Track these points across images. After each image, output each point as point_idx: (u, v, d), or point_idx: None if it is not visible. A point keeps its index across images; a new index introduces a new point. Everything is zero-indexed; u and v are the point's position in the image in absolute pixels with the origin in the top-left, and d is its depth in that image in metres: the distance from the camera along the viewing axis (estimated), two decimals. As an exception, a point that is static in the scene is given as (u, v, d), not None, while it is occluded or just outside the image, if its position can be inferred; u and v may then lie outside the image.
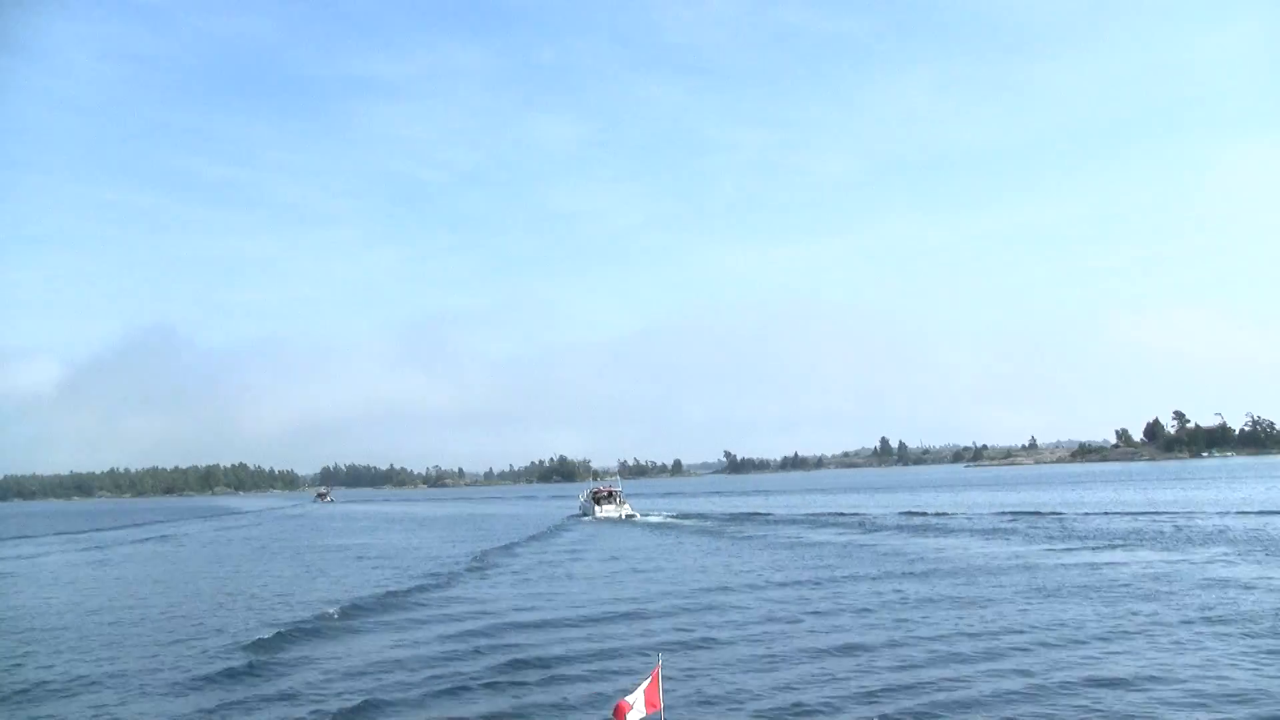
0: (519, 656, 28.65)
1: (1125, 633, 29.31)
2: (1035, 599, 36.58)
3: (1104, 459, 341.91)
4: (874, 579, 44.27)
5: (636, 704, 11.29)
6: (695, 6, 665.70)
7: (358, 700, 23.85)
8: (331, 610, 38.76)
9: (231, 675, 27.47)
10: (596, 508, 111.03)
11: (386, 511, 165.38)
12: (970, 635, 29.85)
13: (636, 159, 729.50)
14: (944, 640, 29.28)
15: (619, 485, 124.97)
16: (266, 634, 33.30)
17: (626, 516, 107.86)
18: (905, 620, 33.00)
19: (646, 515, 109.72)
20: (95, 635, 35.61)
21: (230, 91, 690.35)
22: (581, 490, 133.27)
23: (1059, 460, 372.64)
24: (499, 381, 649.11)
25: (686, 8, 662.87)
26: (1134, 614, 32.37)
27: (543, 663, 27.74)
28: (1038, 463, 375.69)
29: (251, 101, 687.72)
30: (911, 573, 45.89)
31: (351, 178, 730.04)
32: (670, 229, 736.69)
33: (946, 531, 70.12)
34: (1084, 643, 28.06)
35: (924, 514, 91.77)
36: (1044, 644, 28.02)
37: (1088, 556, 50.40)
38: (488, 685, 25.41)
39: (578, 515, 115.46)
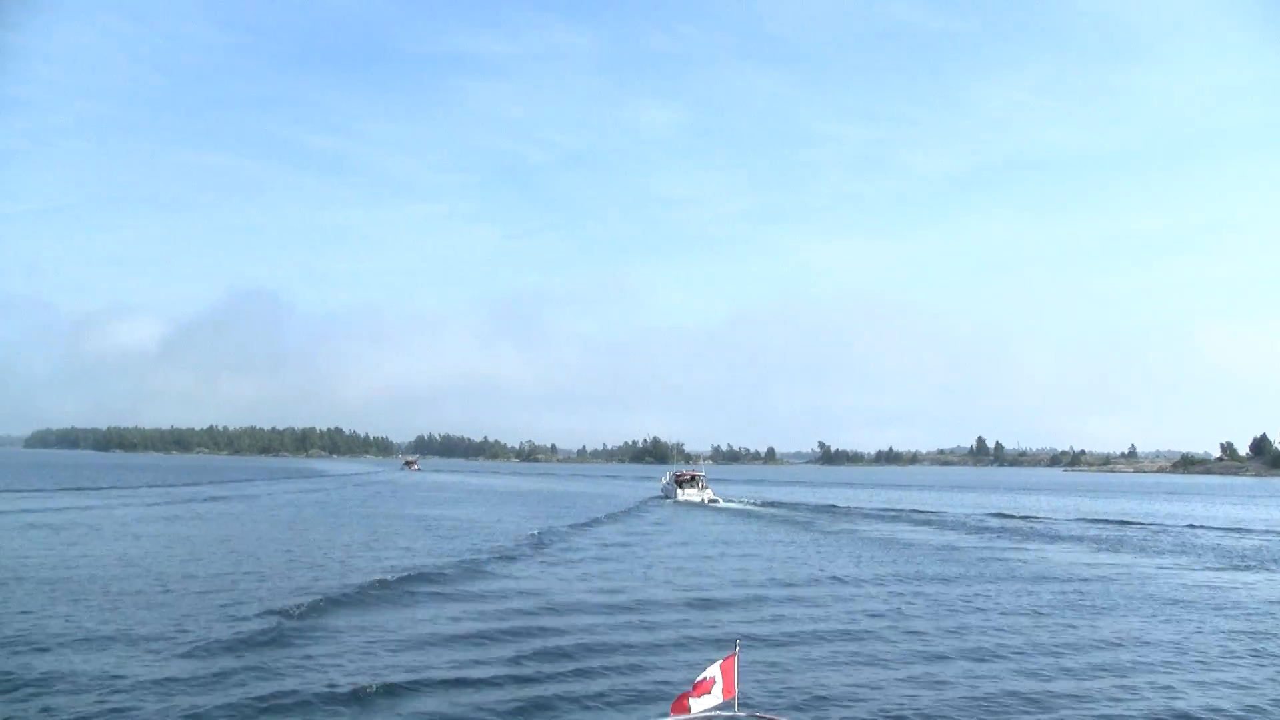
0: (576, 641, 26.40)
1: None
2: (1155, 617, 32.62)
3: (1207, 471, 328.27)
4: (968, 581, 40.72)
5: (713, 688, 10.87)
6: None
7: (398, 675, 21.80)
8: (384, 578, 36.72)
9: (251, 642, 25.32)
10: (678, 490, 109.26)
11: (471, 483, 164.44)
12: (1074, 648, 26.55)
13: (738, 148, 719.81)
14: (1049, 653, 26.11)
15: (702, 470, 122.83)
16: (304, 600, 31.14)
17: (709, 501, 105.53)
18: (1005, 629, 29.68)
19: (729, 501, 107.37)
20: (130, 592, 33.70)
21: (339, 64, 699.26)
22: (664, 473, 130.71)
23: (1160, 470, 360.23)
24: (590, 362, 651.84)
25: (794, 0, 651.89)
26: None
27: (604, 648, 25.74)
28: (1138, 471, 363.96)
29: (359, 75, 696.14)
30: (1012, 577, 42.05)
31: (455, 154, 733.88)
32: (768, 219, 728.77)
33: (1051, 537, 65.78)
34: (1218, 666, 24.24)
35: (1024, 517, 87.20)
36: (1170, 664, 24.30)
37: (1210, 575, 46.00)
38: (533, 670, 23.17)
39: (660, 497, 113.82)
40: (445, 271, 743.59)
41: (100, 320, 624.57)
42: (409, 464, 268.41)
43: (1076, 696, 21.89)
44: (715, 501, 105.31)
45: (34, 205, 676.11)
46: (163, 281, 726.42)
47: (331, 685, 21.30)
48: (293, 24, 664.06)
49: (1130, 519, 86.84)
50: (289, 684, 21.39)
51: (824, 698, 21.18)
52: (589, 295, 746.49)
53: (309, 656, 24.11)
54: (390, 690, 21.01)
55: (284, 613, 28.96)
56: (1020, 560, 50.19)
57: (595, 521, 73.99)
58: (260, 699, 20.15)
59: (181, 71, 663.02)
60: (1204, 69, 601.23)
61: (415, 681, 21.82)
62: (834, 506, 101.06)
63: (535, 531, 61.65)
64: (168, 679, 21.51)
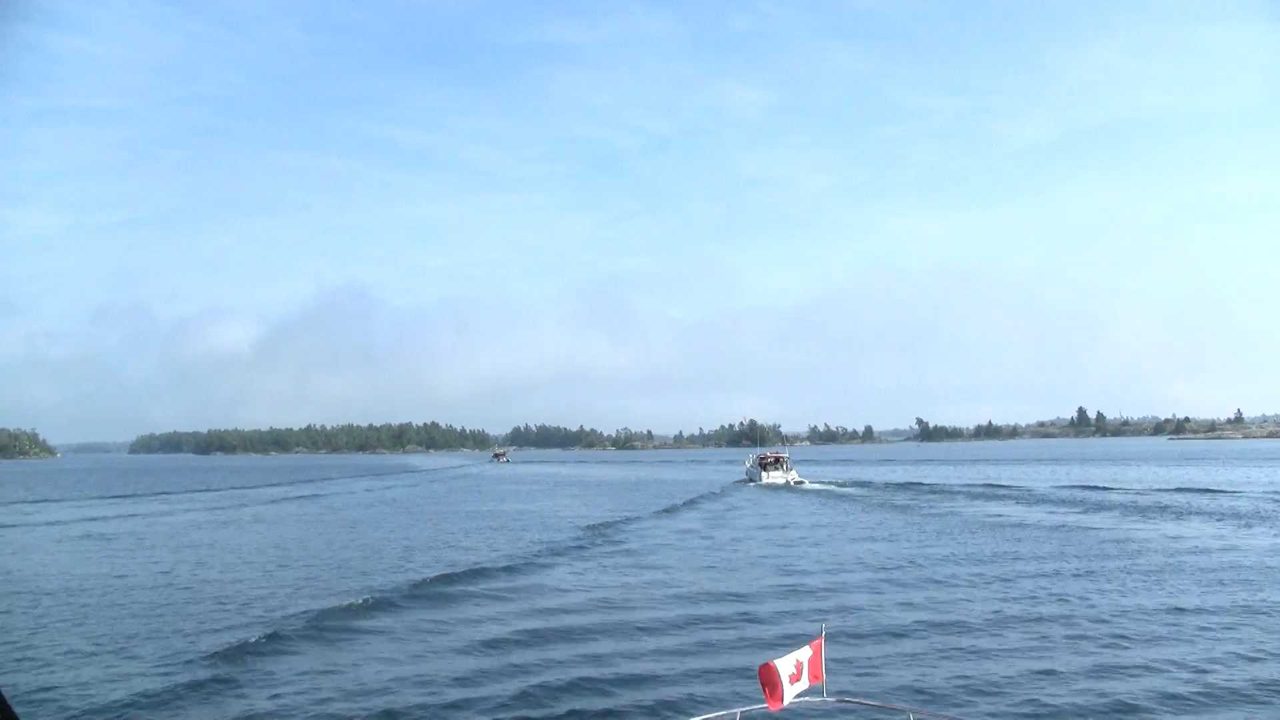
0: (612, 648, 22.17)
1: None
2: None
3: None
4: (1073, 566, 35.44)
5: (802, 673, 10.31)
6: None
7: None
8: (427, 576, 34.32)
9: (242, 654, 22.89)
10: (763, 473, 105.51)
11: (559, 473, 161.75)
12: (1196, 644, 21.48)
13: (825, 126, 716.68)
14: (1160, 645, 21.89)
15: (787, 452, 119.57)
16: (315, 607, 28.42)
17: (795, 483, 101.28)
18: (1113, 621, 25.21)
19: (815, 483, 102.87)
20: (142, 602, 31.10)
21: (424, 60, 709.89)
22: (748, 455, 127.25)
23: (1271, 435, 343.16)
24: (683, 346, 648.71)
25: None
26: None
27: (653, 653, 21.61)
28: (1246, 437, 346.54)
29: (445, 70, 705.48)
30: (1134, 568, 36.45)
31: (543, 143, 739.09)
32: (858, 196, 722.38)
33: (1176, 513, 58.40)
34: None
35: (1136, 490, 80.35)
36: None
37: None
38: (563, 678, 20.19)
39: (744, 480, 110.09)
40: (537, 261, 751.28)
41: (197, 325, 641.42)
42: (498, 456, 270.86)
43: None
44: (801, 483, 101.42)
45: (133, 214, 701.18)
46: (257, 283, 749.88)
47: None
48: (376, 23, 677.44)
49: (1256, 490, 79.71)
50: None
51: (912, 686, 19.70)
52: (680, 278, 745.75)
53: (281, 682, 20.51)
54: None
55: (291, 617, 26.12)
56: (1146, 540, 44.57)
57: (675, 507, 70.17)
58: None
59: (271, 75, 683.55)
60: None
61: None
62: (920, 484, 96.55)
63: (599, 522, 58.25)
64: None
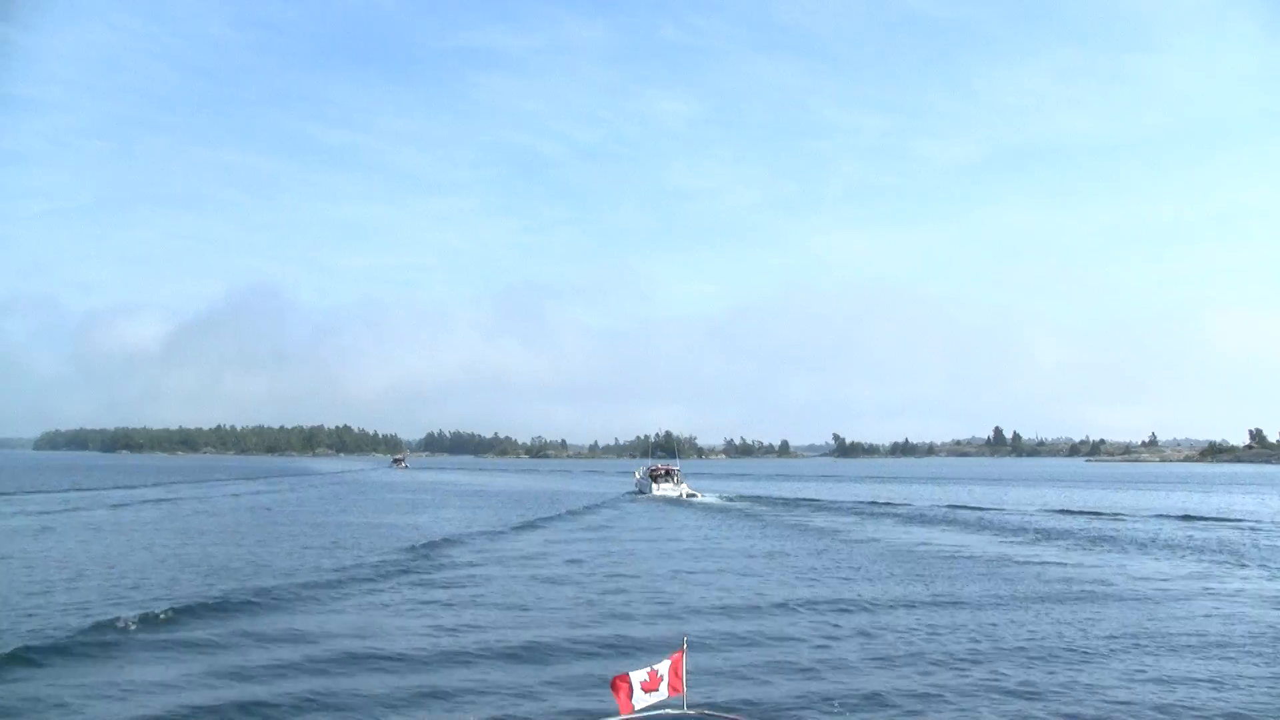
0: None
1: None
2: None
3: (1237, 460, 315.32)
4: (938, 589, 31.63)
5: (660, 684, 10.34)
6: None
7: None
8: (158, 610, 28.06)
9: None
10: (654, 485, 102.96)
11: (452, 481, 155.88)
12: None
13: (752, 139, 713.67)
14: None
15: (677, 464, 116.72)
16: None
17: (688, 496, 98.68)
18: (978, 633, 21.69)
19: (707, 495, 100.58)
20: None
21: (352, 60, 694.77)
22: (638, 467, 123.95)
23: (1187, 459, 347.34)
24: (603, 354, 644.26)
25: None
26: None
27: None
28: (1163, 460, 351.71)
29: (373, 70, 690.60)
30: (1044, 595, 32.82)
31: (469, 148, 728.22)
32: (783, 210, 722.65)
33: (1101, 541, 54.91)
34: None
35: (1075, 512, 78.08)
36: None
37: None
38: None
39: (634, 493, 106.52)
40: (459, 266, 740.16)
41: (107, 319, 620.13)
42: (397, 461, 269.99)
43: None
44: (695, 496, 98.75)
45: (51, 205, 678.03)
46: (171, 279, 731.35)
47: None
48: (306, 21, 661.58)
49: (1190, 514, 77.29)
50: None
51: (776, 700, 19.57)
52: (603, 287, 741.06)
53: None
54: None
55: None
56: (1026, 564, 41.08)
57: (532, 525, 65.12)
58: None
59: (196, 69, 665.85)
60: (1218, 55, 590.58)
61: None
62: (816, 500, 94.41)
63: (444, 537, 53.87)
64: None
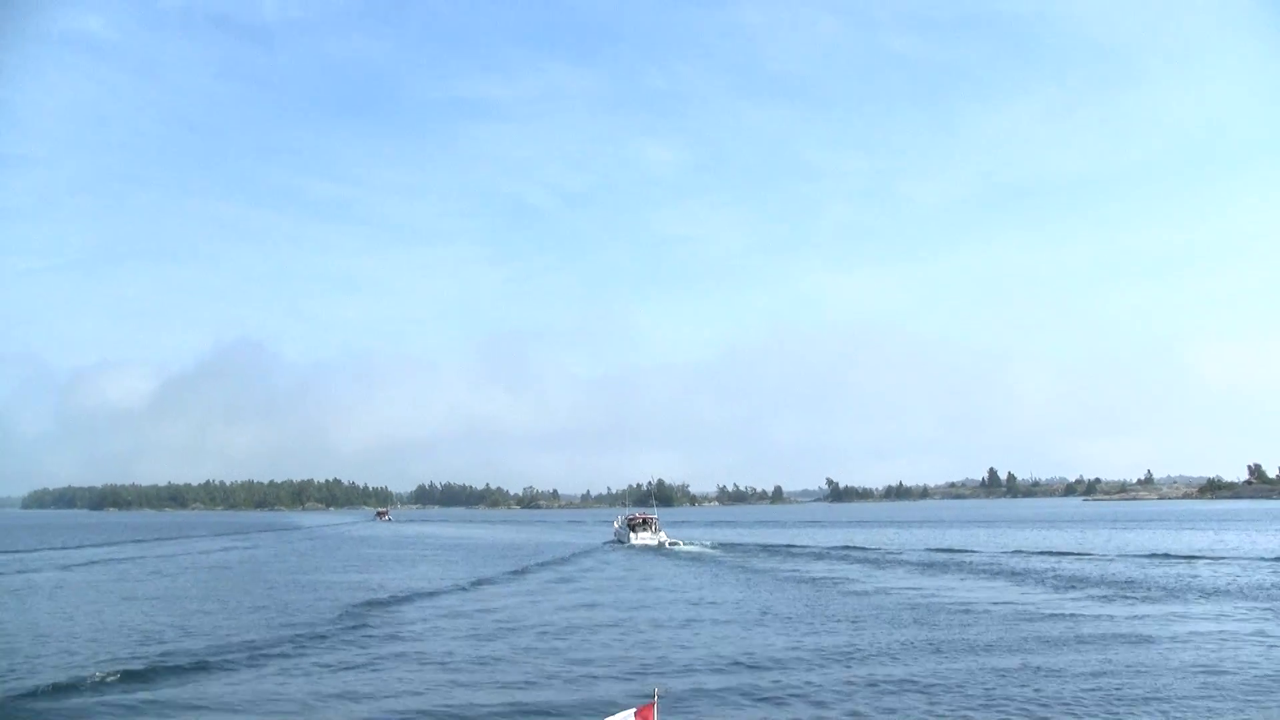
0: None
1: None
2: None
3: (1236, 496, 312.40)
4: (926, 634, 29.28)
5: None
6: (800, 33, 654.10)
7: None
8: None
9: None
10: (632, 535, 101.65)
11: (434, 534, 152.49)
12: None
13: (740, 184, 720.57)
14: None
15: (654, 513, 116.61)
16: None
17: (670, 544, 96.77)
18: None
19: (689, 544, 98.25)
20: None
21: (342, 112, 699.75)
22: (616, 516, 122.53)
23: (1185, 496, 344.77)
24: (593, 402, 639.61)
25: (792, 34, 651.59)
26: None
27: None
28: (1161, 498, 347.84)
29: (363, 122, 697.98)
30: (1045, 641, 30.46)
31: (459, 198, 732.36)
32: (773, 254, 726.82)
33: (1114, 587, 53.00)
34: None
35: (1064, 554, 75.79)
36: None
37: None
38: None
39: (613, 542, 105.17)
40: (451, 315, 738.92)
41: (93, 375, 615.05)
42: (380, 514, 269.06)
43: None
44: (676, 544, 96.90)
45: (39, 262, 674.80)
46: (163, 334, 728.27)
47: None
48: (294, 74, 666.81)
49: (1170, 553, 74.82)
50: None
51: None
52: (593, 333, 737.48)
53: None
54: None
55: None
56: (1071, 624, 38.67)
57: (507, 576, 63.21)
58: None
59: (184, 124, 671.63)
60: (1200, 90, 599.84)
61: None
62: (792, 546, 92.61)
63: (418, 590, 53.25)
64: None
